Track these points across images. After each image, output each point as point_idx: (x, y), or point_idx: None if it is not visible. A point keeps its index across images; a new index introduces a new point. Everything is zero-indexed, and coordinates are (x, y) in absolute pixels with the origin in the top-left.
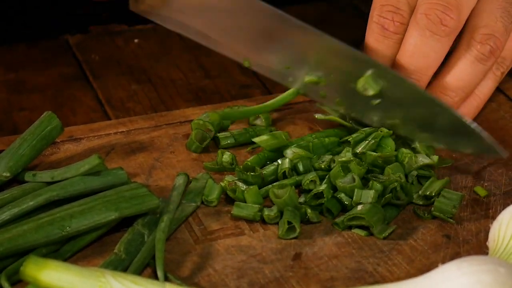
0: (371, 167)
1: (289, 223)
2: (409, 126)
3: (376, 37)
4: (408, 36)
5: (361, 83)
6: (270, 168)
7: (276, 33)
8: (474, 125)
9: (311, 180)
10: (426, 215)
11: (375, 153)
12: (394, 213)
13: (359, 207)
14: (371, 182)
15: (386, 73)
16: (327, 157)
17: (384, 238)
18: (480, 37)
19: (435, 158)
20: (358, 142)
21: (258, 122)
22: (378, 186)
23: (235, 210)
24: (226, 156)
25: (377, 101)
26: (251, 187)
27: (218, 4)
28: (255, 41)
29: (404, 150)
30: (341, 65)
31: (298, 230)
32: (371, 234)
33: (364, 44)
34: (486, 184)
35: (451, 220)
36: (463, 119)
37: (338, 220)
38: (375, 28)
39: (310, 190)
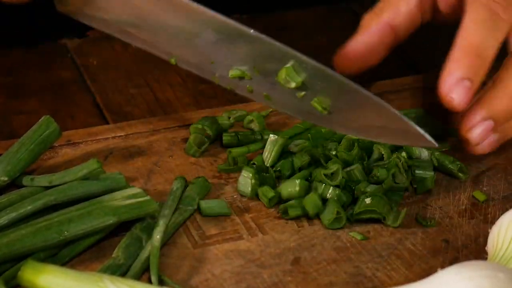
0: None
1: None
2: (337, 118)
3: (482, 19)
4: None
5: (282, 76)
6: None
7: (195, 28)
8: (401, 115)
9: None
10: (429, 223)
11: None
12: (398, 198)
13: (368, 200)
14: (375, 170)
15: (307, 64)
16: (332, 144)
17: (398, 226)
18: None
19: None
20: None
21: (252, 125)
22: (383, 172)
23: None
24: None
25: (302, 93)
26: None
27: (138, 3)
28: (178, 37)
29: None
30: (263, 58)
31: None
32: (368, 238)
33: (464, 26)
34: (485, 188)
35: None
36: (389, 108)
37: (348, 214)
38: (483, 9)
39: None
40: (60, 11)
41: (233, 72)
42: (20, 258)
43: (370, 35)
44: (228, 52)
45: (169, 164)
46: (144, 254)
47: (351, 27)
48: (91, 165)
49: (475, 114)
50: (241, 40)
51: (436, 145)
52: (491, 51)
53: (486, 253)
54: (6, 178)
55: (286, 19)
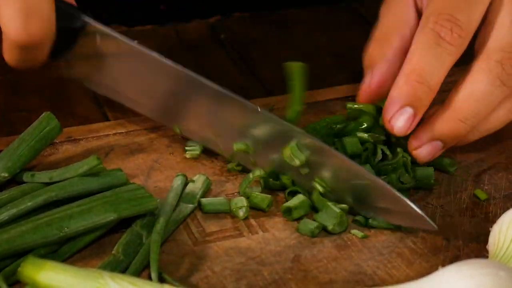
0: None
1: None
2: (339, 194)
3: (428, 44)
4: (475, 79)
5: (286, 153)
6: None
7: (202, 102)
8: (403, 197)
9: None
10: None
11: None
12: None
13: None
14: (383, 170)
15: (312, 143)
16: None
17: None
18: None
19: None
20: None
21: None
22: (393, 176)
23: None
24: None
25: (306, 170)
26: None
27: (146, 72)
28: (184, 109)
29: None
30: (267, 134)
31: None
32: (369, 236)
33: (411, 51)
34: (486, 187)
35: None
36: (389, 188)
37: (359, 217)
38: (429, 34)
39: None
40: (66, 75)
41: (237, 146)
42: (20, 254)
43: (386, 65)
44: (233, 126)
45: (170, 161)
46: (144, 251)
47: (352, 26)
48: (92, 161)
49: (422, 134)
50: (246, 116)
51: (436, 227)
52: (436, 77)
53: (487, 251)
54: (6, 174)
55: (287, 18)
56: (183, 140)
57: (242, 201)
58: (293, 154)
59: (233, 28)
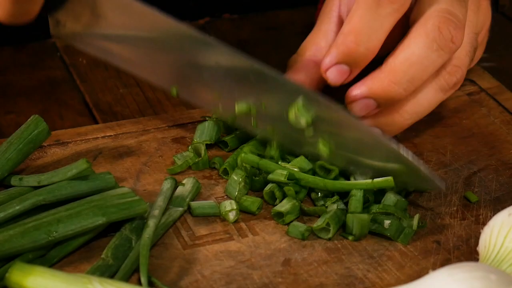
0: None
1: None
2: (343, 157)
3: (368, 4)
4: (411, 43)
5: (292, 113)
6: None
7: (202, 59)
8: (411, 156)
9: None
10: (420, 224)
11: None
12: (404, 203)
13: (386, 225)
14: None
15: (317, 100)
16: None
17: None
18: (451, 68)
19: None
20: None
21: None
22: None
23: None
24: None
25: (311, 133)
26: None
27: (141, 29)
28: (182, 68)
29: None
30: (271, 93)
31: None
32: (360, 239)
33: (352, 10)
34: (476, 190)
35: None
36: (400, 150)
37: (375, 227)
38: None
39: None
40: (55, 35)
41: (240, 107)
42: (8, 259)
43: (295, 73)
44: (236, 85)
45: (159, 164)
46: (133, 255)
47: None
48: (80, 165)
49: (357, 90)
50: (251, 75)
51: (444, 188)
52: (374, 40)
53: (477, 254)
54: None
55: (276, 19)
56: (172, 143)
57: (231, 204)
58: (299, 113)
59: (223, 29)
